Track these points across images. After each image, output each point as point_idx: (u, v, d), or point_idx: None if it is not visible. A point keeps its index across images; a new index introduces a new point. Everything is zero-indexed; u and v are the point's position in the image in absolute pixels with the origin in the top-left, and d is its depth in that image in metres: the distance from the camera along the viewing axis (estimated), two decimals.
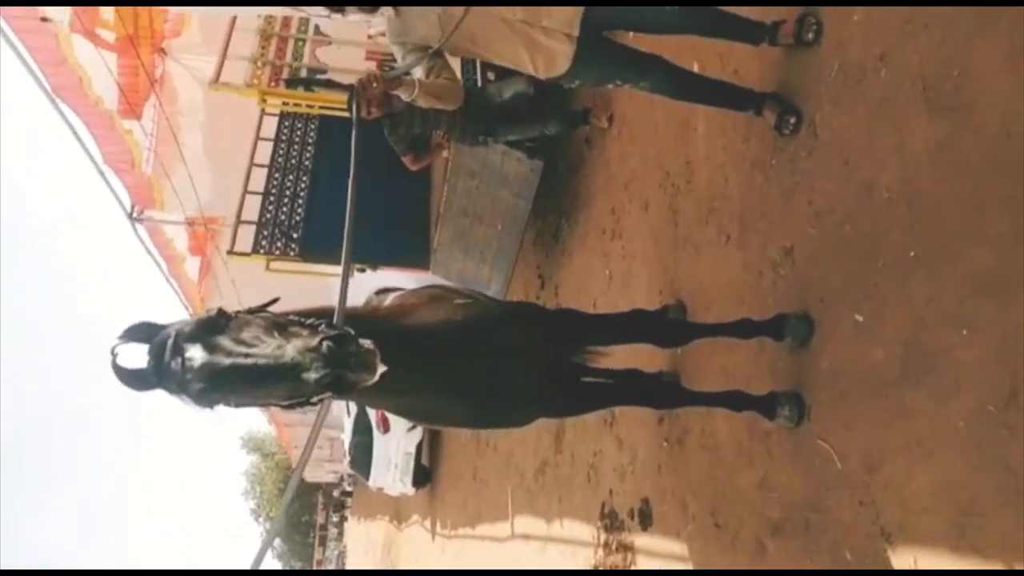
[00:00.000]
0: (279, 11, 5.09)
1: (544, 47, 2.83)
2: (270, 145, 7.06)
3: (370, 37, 6.28)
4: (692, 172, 3.90)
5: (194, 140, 7.82)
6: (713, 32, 3.10)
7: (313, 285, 7.01)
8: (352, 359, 1.77)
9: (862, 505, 2.44)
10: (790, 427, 2.81)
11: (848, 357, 2.60)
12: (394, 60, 5.55)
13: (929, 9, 2.40)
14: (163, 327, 1.98)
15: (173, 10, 7.19)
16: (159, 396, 1.99)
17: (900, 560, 2.28)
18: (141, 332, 1.98)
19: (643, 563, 4.07)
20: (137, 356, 1.98)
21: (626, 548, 4.27)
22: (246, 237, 6.74)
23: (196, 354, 1.84)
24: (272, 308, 2.08)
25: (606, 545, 4.54)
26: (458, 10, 2.68)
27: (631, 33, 3.56)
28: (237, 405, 1.96)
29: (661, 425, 3.92)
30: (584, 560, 4.84)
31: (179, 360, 1.86)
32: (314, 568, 40.99)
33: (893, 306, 2.42)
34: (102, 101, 6.90)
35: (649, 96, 3.96)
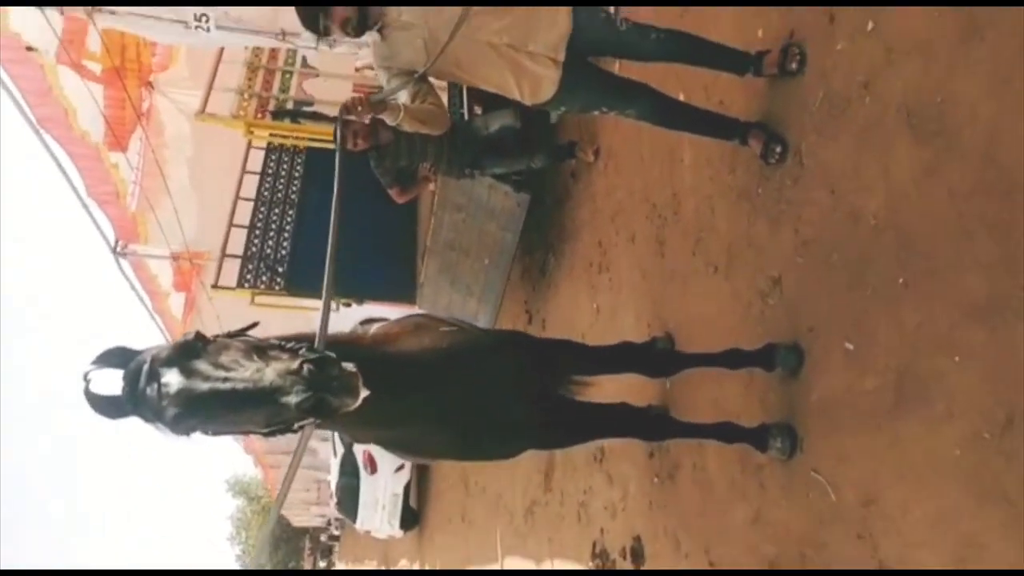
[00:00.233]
0: (267, 43, 5.09)
1: (530, 72, 2.83)
2: (256, 179, 7.03)
3: (357, 70, 6.31)
4: (679, 203, 3.89)
5: (180, 174, 7.78)
6: (698, 60, 3.11)
7: (298, 319, 6.94)
8: (334, 382, 1.72)
9: (859, 539, 2.38)
10: (783, 459, 2.75)
11: (839, 387, 2.56)
12: (380, 90, 5.56)
13: (912, 38, 2.41)
14: (139, 352, 1.92)
15: (161, 44, 7.22)
16: (135, 424, 1.93)
17: None
18: (116, 357, 1.93)
19: None
20: (112, 382, 1.93)
21: None
22: (231, 271, 6.68)
23: (172, 379, 1.79)
24: (252, 333, 2.03)
25: None
26: (444, 35, 2.68)
27: (618, 63, 3.58)
28: (215, 432, 1.90)
29: (651, 460, 3.85)
30: None
31: (155, 386, 1.81)
32: None
33: (883, 334, 2.38)
34: (88, 135, 6.87)
35: (635, 125, 3.97)
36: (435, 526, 10.67)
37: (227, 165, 7.42)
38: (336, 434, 10.90)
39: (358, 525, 11.58)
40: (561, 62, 2.81)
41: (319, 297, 2.06)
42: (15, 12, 5.13)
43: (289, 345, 1.92)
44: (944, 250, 2.20)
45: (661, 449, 3.74)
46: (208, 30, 4.89)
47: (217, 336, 1.95)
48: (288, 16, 4.97)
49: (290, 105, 6.04)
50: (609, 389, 3.29)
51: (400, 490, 10.91)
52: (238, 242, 6.79)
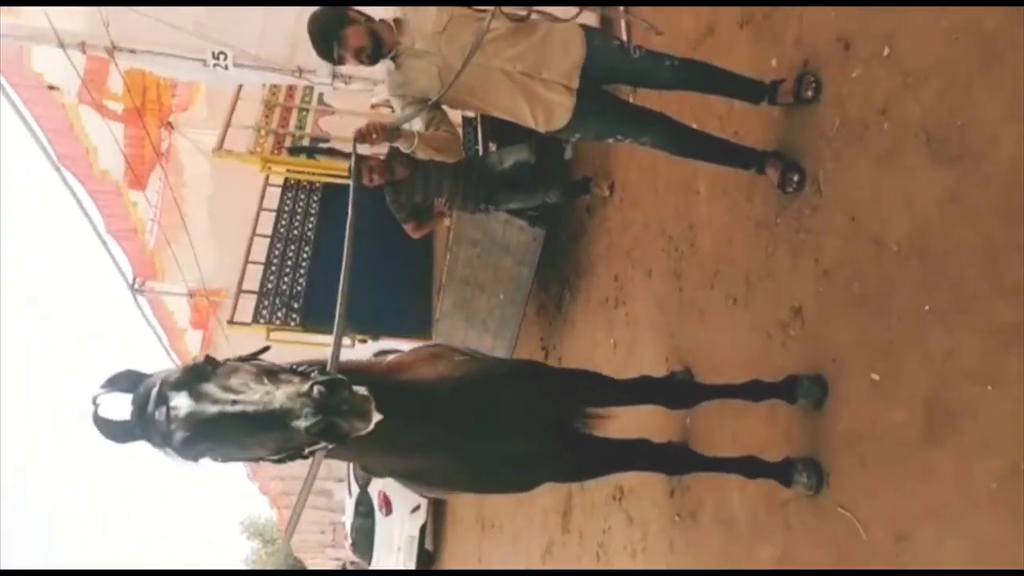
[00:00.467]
0: (283, 80, 5.15)
1: (544, 99, 2.82)
2: (273, 216, 7.07)
3: (373, 107, 6.36)
4: (695, 235, 3.85)
5: (198, 212, 7.86)
6: (712, 88, 3.10)
7: (313, 355, 6.90)
8: (344, 405, 1.67)
9: None
10: (809, 495, 2.66)
11: (866, 419, 2.48)
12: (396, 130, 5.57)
13: (929, 62, 2.38)
14: (148, 376, 1.90)
15: (181, 84, 7.34)
16: (145, 454, 1.89)
17: None
18: (125, 381, 1.91)
19: None
20: (121, 406, 1.90)
21: None
22: (247, 307, 6.68)
23: (181, 402, 1.77)
24: (264, 357, 2.00)
25: None
26: (458, 62, 2.68)
27: (631, 94, 3.57)
28: (224, 459, 1.86)
29: (672, 499, 3.75)
30: None
31: (163, 409, 1.78)
32: None
33: (910, 364, 2.31)
34: (108, 173, 6.96)
35: (650, 159, 3.96)
36: (452, 568, 10.47)
37: (245, 203, 7.48)
38: (351, 474, 10.80)
39: (373, 567, 11.40)
40: (575, 89, 2.80)
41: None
42: (38, 52, 5.23)
43: (301, 369, 1.89)
44: (971, 275, 2.13)
45: (682, 486, 3.65)
46: (226, 68, 4.95)
47: (227, 360, 1.92)
48: (304, 54, 5.02)
49: (306, 142, 6.08)
50: (627, 424, 3.22)
51: (416, 531, 10.73)
52: (254, 278, 6.80)
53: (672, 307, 4.00)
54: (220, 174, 7.52)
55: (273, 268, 6.65)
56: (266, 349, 2.10)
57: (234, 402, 1.74)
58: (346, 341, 6.17)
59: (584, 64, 2.80)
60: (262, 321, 6.51)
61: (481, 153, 5.88)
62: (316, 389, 1.68)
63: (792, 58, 3.11)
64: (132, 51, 4.96)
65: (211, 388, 1.78)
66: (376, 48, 2.81)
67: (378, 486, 10.07)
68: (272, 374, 1.84)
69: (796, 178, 2.93)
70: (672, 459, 2.82)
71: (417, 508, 10.56)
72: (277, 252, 6.82)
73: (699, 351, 3.67)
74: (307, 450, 1.78)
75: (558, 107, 2.83)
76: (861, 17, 2.71)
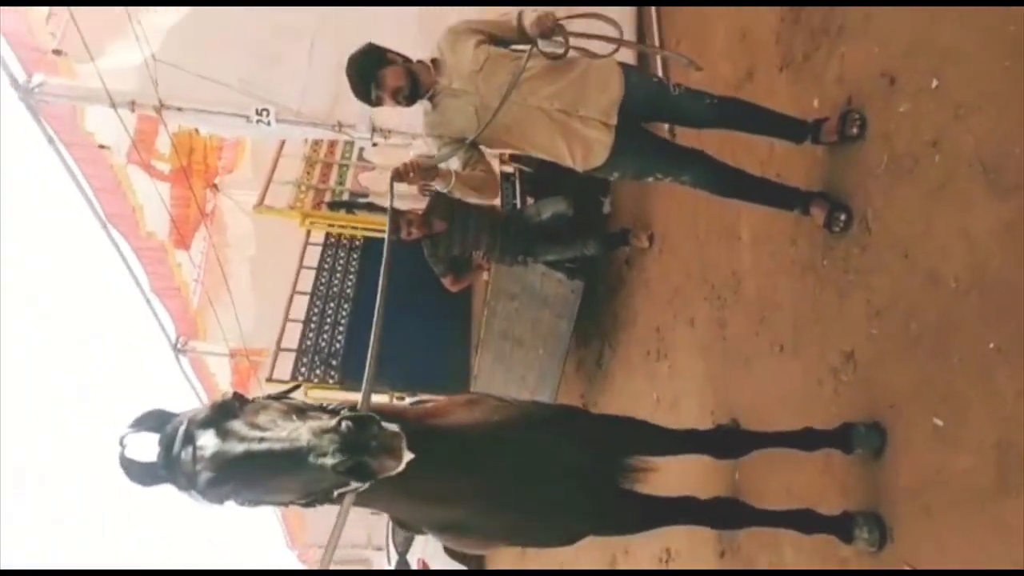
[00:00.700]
0: (323, 135, 5.22)
1: (582, 136, 2.78)
2: (313, 273, 7.11)
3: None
4: (739, 282, 3.73)
5: (241, 272, 7.95)
6: (753, 127, 3.03)
7: None
8: (373, 442, 1.59)
9: None
10: (871, 551, 2.48)
11: (930, 467, 2.31)
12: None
13: (981, 91, 2.29)
14: (176, 415, 1.85)
15: (227, 147, 7.52)
16: (170, 495, 1.83)
17: None
18: (153, 420, 1.86)
19: None
20: (148, 447, 1.85)
21: None
22: (286, 365, 6.67)
23: (208, 441, 1.71)
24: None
25: None
26: (495, 101, 2.66)
27: (671, 134, 3.52)
28: (250, 502, 1.77)
29: (723, 559, 3.55)
30: None
31: (190, 449, 1.72)
32: None
33: (976, 406, 2.16)
34: (154, 234, 7.10)
35: (690, 207, 3.88)
36: None
37: (286, 263, 7.55)
38: (390, 540, 10.58)
39: None
40: (613, 126, 2.76)
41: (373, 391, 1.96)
42: (91, 112, 5.39)
43: (331, 407, 1.82)
44: None
45: (732, 547, 3.45)
46: (269, 123, 5.04)
47: (256, 398, 1.87)
48: (344, 108, 5.12)
49: (346, 196, 6.14)
50: (672, 479, 3.06)
51: None
52: (294, 336, 6.81)
53: (716, 357, 3.87)
54: (263, 234, 7.63)
55: (312, 326, 6.66)
56: (296, 387, 2.04)
57: (261, 439, 1.68)
58: (383, 398, 6.12)
59: (622, 101, 2.77)
60: (300, 378, 6.49)
61: (519, 206, 5.87)
62: (344, 424, 1.61)
63: (835, 97, 3.03)
64: (179, 109, 5.10)
65: (238, 426, 1.72)
66: (413, 88, 2.82)
67: (417, 553, 9.83)
68: (301, 411, 1.78)
69: (843, 217, 2.83)
70: (721, 512, 2.65)
71: None
72: (316, 309, 6.85)
73: (746, 402, 3.52)
74: (336, 492, 1.70)
75: (596, 144, 2.79)
76: (906, 52, 2.64)
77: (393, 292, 2.29)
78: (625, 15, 4.71)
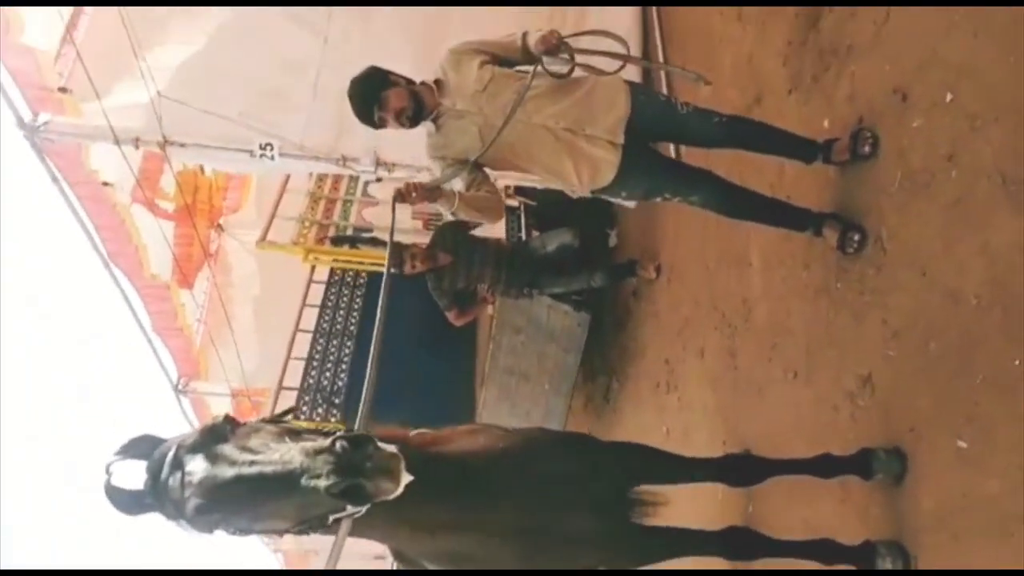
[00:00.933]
0: (327, 169, 5.20)
1: (588, 155, 2.73)
2: (316, 311, 7.05)
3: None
4: (749, 310, 3.66)
5: (244, 312, 7.89)
6: (762, 147, 2.97)
7: None
8: (368, 463, 1.51)
9: None
10: None
11: (956, 492, 2.20)
12: (439, 217, 5.57)
13: (997, 102, 2.23)
14: (165, 440, 1.76)
15: (232, 187, 7.53)
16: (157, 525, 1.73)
17: None
18: (141, 447, 1.77)
19: None
20: (136, 475, 1.76)
21: None
22: (287, 403, 6.56)
23: (197, 467, 1.62)
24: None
25: None
26: (499, 121, 2.62)
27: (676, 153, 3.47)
28: (241, 531, 1.68)
29: None
30: None
31: (178, 475, 1.63)
32: None
33: (1003, 426, 2.06)
34: (158, 276, 7.06)
35: (699, 235, 3.81)
36: None
37: (290, 303, 7.49)
38: None
39: None
40: (620, 144, 2.71)
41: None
42: (95, 150, 5.39)
43: (327, 431, 1.74)
44: None
45: None
46: (272, 158, 5.02)
47: (248, 421, 1.78)
48: (348, 142, 5.11)
49: (349, 231, 6.11)
50: (683, 512, 2.95)
51: None
52: (296, 375, 6.71)
53: (727, 387, 3.77)
54: (267, 274, 7.59)
55: (315, 363, 6.58)
56: (291, 411, 1.96)
57: (252, 463, 1.60)
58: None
59: (629, 119, 2.72)
60: (301, 417, 6.38)
61: (524, 239, 5.83)
62: (339, 444, 1.53)
63: (845, 117, 2.99)
64: (183, 145, 5.09)
65: (228, 450, 1.64)
66: (417, 109, 2.78)
67: None
68: (295, 434, 1.71)
69: (857, 237, 2.76)
70: (737, 542, 2.53)
71: None
72: (319, 347, 6.76)
73: (759, 432, 3.41)
74: (332, 518, 1.61)
75: (603, 164, 2.74)
76: (918, 67, 2.60)
77: (396, 326, 2.23)
78: (630, 39, 4.73)
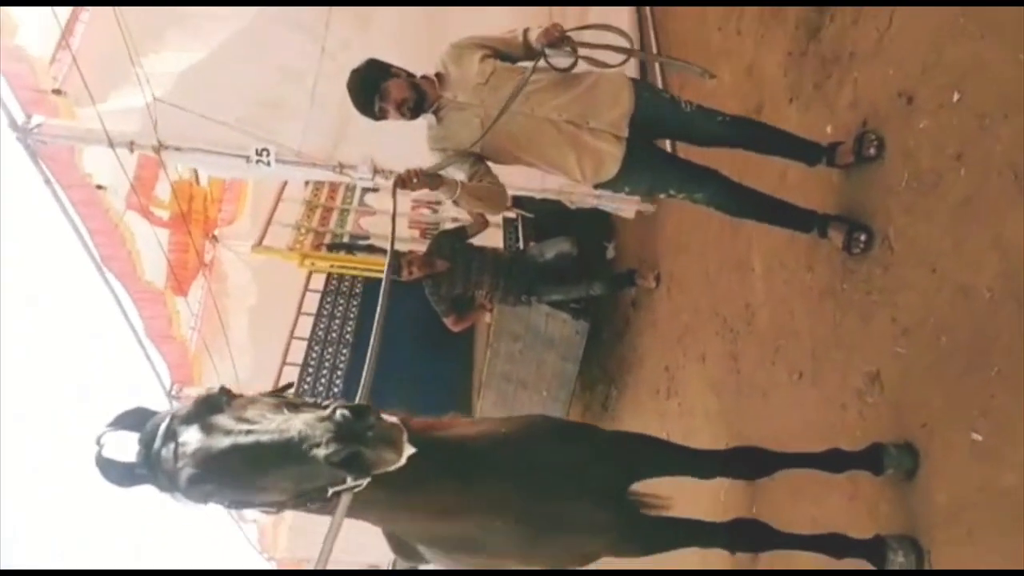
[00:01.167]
0: (324, 176, 5.18)
1: (592, 149, 2.73)
2: (311, 320, 7.02)
3: (414, 208, 6.40)
4: (752, 314, 3.66)
5: (239, 322, 7.83)
6: (764, 147, 2.98)
7: None
8: (370, 432, 1.48)
9: None
10: None
11: (970, 485, 2.20)
12: (437, 226, 5.56)
13: (1007, 99, 2.25)
14: (158, 413, 1.73)
15: (227, 199, 7.49)
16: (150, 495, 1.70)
17: None
18: (133, 419, 1.73)
19: None
20: (129, 448, 1.72)
21: None
22: None
23: (191, 437, 1.58)
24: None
25: None
26: (497, 111, 2.62)
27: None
28: (235, 504, 1.65)
29: None
30: None
31: (171, 446, 1.59)
32: None
33: (1020, 419, 2.06)
34: (153, 284, 7.00)
35: (699, 242, 3.82)
36: None
37: (285, 313, 7.46)
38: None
39: None
40: (624, 138, 2.71)
41: None
42: (89, 153, 5.35)
43: (326, 403, 1.71)
44: None
45: None
46: (268, 164, 5.00)
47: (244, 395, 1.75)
48: (345, 149, 5.10)
49: (346, 239, 6.10)
50: (686, 512, 2.93)
51: None
52: (290, 381, 6.66)
53: (730, 391, 3.78)
54: (262, 284, 7.54)
55: (310, 370, 6.54)
56: (289, 387, 1.93)
57: (248, 432, 1.56)
58: None
59: (633, 115, 2.73)
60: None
61: (522, 247, 5.83)
62: (340, 413, 1.50)
63: (849, 123, 3.01)
64: (179, 149, 5.07)
65: (224, 420, 1.60)
66: (418, 101, 2.77)
67: None
68: (294, 406, 1.65)
69: (863, 238, 2.77)
70: (744, 533, 2.52)
71: None
72: (315, 355, 6.74)
73: (764, 434, 3.40)
74: (331, 490, 1.58)
75: (608, 157, 2.74)
76: (923, 70, 2.62)
77: (393, 332, 2.22)
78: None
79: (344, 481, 1.54)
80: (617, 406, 5.43)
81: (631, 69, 3.60)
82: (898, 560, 2.33)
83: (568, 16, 5.15)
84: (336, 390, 6.39)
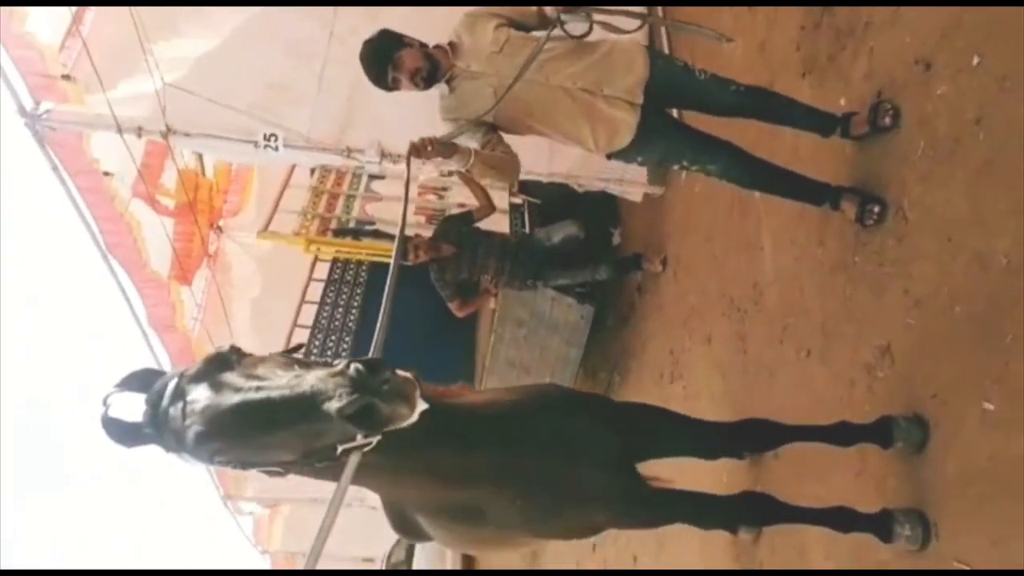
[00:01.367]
0: (332, 160, 5.15)
1: (606, 116, 2.70)
2: (315, 308, 7.00)
3: (420, 194, 6.37)
4: (760, 294, 3.62)
5: (243, 312, 7.82)
6: (777, 117, 2.95)
7: None
8: (385, 386, 1.44)
9: None
10: (913, 550, 2.30)
11: (981, 455, 2.16)
12: (442, 212, 5.52)
13: None
14: (166, 373, 1.70)
15: (232, 190, 7.47)
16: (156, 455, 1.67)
17: None
18: (141, 380, 1.69)
19: None
20: (136, 409, 1.69)
21: None
22: None
23: (200, 395, 1.54)
24: None
25: None
26: (511, 79, 2.59)
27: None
28: (243, 463, 1.61)
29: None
30: None
31: (180, 405, 1.55)
32: None
33: None
34: (158, 274, 6.99)
35: (707, 225, 3.78)
36: None
37: (289, 304, 7.44)
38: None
39: None
40: (639, 105, 2.68)
41: None
42: (96, 140, 5.34)
43: (337, 361, 1.68)
44: None
45: (753, 563, 3.25)
46: (276, 149, 4.99)
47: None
48: (353, 134, 5.08)
49: (352, 225, 6.07)
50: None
51: None
52: None
53: (736, 372, 3.73)
54: (266, 276, 7.53)
55: (312, 356, 6.50)
56: (300, 347, 1.90)
57: (258, 388, 1.52)
58: None
59: (647, 82, 2.70)
60: None
61: (528, 231, 5.81)
62: (353, 367, 1.46)
63: (863, 94, 2.97)
64: (187, 134, 5.05)
65: (234, 377, 1.56)
66: (432, 71, 2.74)
67: None
68: (305, 365, 1.61)
69: (877, 209, 2.73)
70: (750, 506, 2.47)
71: None
72: (317, 343, 6.71)
73: (771, 413, 3.28)
74: (340, 448, 1.53)
75: (622, 125, 2.71)
76: (942, 35, 2.58)
77: (396, 316, 2.15)
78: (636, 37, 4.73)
79: (354, 438, 1.50)
80: (619, 392, 5.37)
81: (641, 39, 3.58)
82: (904, 533, 2.29)
83: None
84: None
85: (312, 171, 6.80)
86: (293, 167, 6.63)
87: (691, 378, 4.27)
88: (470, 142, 2.82)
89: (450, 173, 5.63)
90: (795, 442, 2.61)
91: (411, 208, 6.22)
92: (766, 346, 3.48)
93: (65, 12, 4.88)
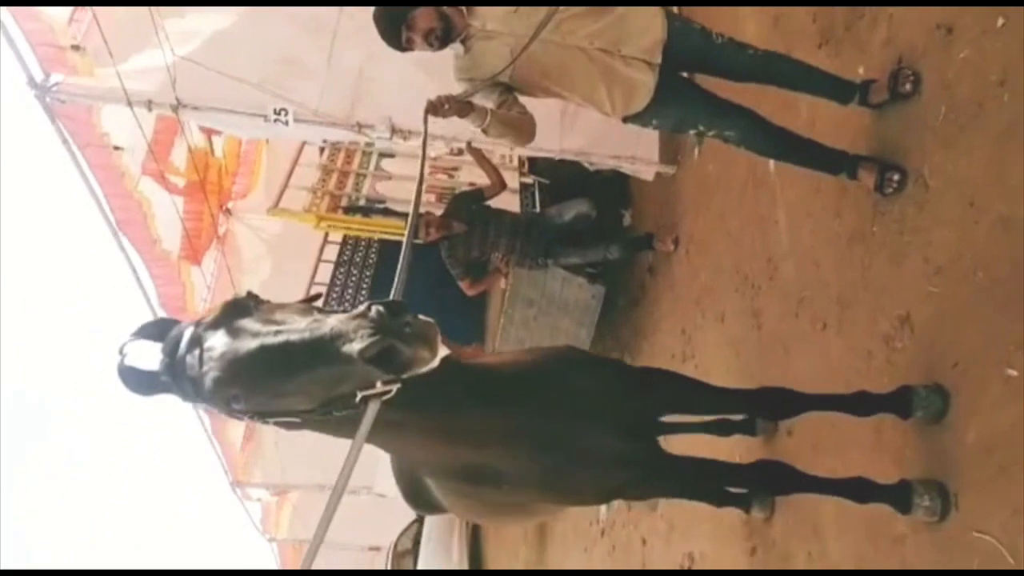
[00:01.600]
0: (343, 135, 5.11)
1: (623, 77, 2.65)
2: (324, 290, 6.97)
3: (431, 173, 6.33)
4: (775, 268, 3.56)
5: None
6: (795, 83, 2.89)
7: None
8: (407, 328, 1.40)
9: None
10: (931, 522, 2.26)
11: (1003, 423, 2.11)
12: (453, 190, 5.47)
13: None
14: (182, 323, 1.67)
15: (242, 172, 7.45)
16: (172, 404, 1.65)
17: None
18: (157, 328, 1.67)
19: None
20: (152, 358, 1.67)
21: None
22: None
23: (217, 341, 1.52)
24: None
25: None
26: (527, 39, 2.54)
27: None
28: (259, 412, 1.58)
29: (753, 556, 3.30)
30: None
31: (197, 352, 1.53)
32: None
33: None
34: (170, 254, 6.98)
35: (720, 202, 3.72)
36: None
37: (298, 285, 7.41)
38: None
39: None
40: (657, 65, 2.63)
41: None
42: (107, 113, 5.32)
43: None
44: None
45: (765, 542, 3.21)
46: (287, 123, 4.95)
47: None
48: (363, 109, 5.04)
49: (362, 203, 6.04)
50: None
51: None
52: None
53: (751, 348, 3.68)
54: (276, 258, 7.51)
55: None
56: (317, 296, 1.87)
57: (277, 332, 1.50)
58: None
59: (665, 44, 2.65)
60: None
61: (539, 209, 5.76)
62: (375, 309, 1.42)
63: (883, 61, 2.90)
64: (196, 108, 5.03)
65: (251, 323, 1.54)
66: (446, 30, 2.69)
67: None
68: (323, 312, 1.59)
69: (896, 177, 2.67)
70: (767, 473, 2.43)
71: None
72: None
73: None
74: (360, 395, 1.50)
75: (640, 86, 2.66)
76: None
77: (404, 297, 2.12)
78: None
79: (374, 385, 1.47)
80: None
81: None
82: (923, 504, 2.24)
83: None
84: None
85: (321, 150, 6.77)
86: (302, 146, 6.61)
87: (704, 356, 4.22)
88: (485, 102, 2.78)
89: (460, 151, 5.58)
90: (812, 411, 2.55)
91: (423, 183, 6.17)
92: (781, 321, 3.43)
93: None
